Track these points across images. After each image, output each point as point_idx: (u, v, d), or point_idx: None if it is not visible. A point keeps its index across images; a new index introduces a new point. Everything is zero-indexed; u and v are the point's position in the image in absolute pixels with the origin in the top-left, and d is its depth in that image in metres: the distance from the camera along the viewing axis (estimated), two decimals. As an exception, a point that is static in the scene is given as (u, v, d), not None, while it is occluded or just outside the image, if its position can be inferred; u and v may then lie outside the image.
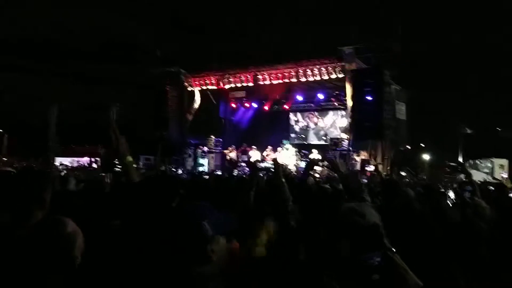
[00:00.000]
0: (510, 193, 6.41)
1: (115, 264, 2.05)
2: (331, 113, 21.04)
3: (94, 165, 16.54)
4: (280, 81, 17.08)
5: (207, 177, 9.80)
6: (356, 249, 1.93)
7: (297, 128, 22.35)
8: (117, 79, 30.64)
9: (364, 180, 9.76)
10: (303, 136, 22.11)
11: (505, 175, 15.93)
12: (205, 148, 19.47)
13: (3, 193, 2.19)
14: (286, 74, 16.78)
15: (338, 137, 18.37)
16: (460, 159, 20.42)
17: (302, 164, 16.32)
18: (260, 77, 17.52)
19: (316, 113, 21.59)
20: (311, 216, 3.19)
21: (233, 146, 19.44)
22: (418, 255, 2.28)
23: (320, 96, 19.46)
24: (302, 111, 21.94)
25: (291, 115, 22.33)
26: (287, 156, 17.39)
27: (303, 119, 22.15)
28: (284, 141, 18.85)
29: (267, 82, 17.45)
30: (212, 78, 18.87)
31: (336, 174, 3.75)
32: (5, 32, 29.89)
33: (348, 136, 16.37)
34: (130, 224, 2.33)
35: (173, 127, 18.47)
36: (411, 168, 15.85)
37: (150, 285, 1.84)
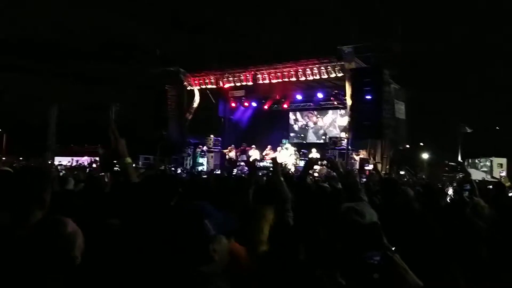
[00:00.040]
0: (509, 192, 6.42)
1: (115, 264, 2.05)
2: (330, 112, 21.04)
3: (94, 165, 16.53)
4: (280, 80, 17.07)
5: (206, 176, 9.80)
6: (356, 249, 1.93)
7: (296, 127, 22.36)
8: (117, 79, 30.64)
9: (363, 179, 9.76)
10: (303, 135, 22.11)
11: (504, 174, 15.94)
12: (205, 148, 19.47)
13: (2, 193, 2.19)
14: (286, 73, 16.78)
15: (337, 136, 18.39)
16: (459, 158, 20.44)
17: (301, 163, 16.31)
18: (259, 76, 17.51)
19: (315, 112, 21.60)
20: (310, 215, 3.19)
21: (233, 145, 19.43)
22: (417, 254, 2.28)
23: (320, 95, 19.46)
24: (301, 110, 21.94)
25: (291, 114, 22.34)
26: (287, 156, 17.38)
27: (302, 118, 22.16)
28: (284, 141, 18.84)
29: (267, 81, 17.44)
30: (211, 77, 18.87)
31: (335, 173, 3.76)
32: (5, 32, 29.88)
33: (347, 135, 16.37)
34: (130, 223, 2.33)
35: (173, 127, 18.47)
36: (410, 167, 15.88)
37: (150, 285, 1.85)
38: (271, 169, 8.35)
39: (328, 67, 15.75)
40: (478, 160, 18.45)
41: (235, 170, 14.30)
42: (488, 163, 17.68)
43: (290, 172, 13.58)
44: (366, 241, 1.95)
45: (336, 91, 18.33)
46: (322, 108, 21.09)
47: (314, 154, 17.00)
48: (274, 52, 21.16)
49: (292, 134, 22.12)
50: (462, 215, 3.49)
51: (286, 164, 15.90)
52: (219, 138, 20.14)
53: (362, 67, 15.13)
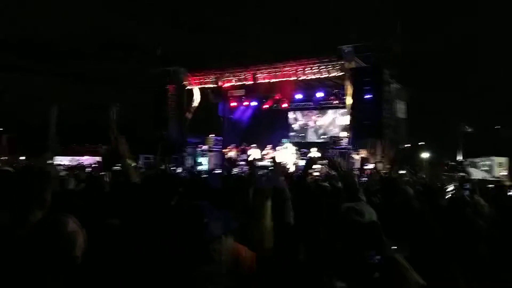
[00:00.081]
0: (509, 191, 6.42)
1: (115, 263, 2.05)
2: (330, 111, 21.02)
3: (94, 165, 16.52)
4: (280, 79, 17.06)
5: (206, 175, 9.78)
6: (357, 248, 1.93)
7: (296, 126, 22.34)
8: (117, 79, 30.65)
9: (363, 178, 9.75)
10: (302, 134, 22.10)
11: (505, 173, 15.91)
12: (205, 147, 19.46)
13: (3, 193, 2.19)
14: (286, 72, 16.77)
15: (338, 135, 18.38)
16: (460, 158, 20.42)
17: (302, 163, 16.30)
18: (259, 75, 17.50)
19: (315, 112, 21.59)
20: (310, 215, 3.19)
21: (233, 144, 19.42)
22: (417, 254, 2.28)
23: (319, 94, 19.47)
24: (301, 109, 21.93)
25: (291, 114, 22.32)
26: (286, 155, 17.37)
27: (303, 117, 22.15)
28: (284, 140, 18.83)
29: (267, 80, 17.43)
30: (211, 76, 18.85)
31: (335, 173, 3.76)
32: (5, 32, 29.89)
33: (348, 135, 16.37)
34: (131, 223, 2.33)
35: (173, 126, 18.47)
36: (411, 166, 15.85)
37: (151, 285, 1.85)
38: (270, 168, 8.35)
39: (328, 66, 15.75)
40: (479, 159, 18.40)
41: (235, 170, 14.30)
42: (489, 162, 17.63)
43: (290, 171, 13.58)
44: (366, 240, 1.95)
45: (336, 90, 18.33)
46: (322, 108, 21.08)
47: (314, 153, 16.99)
48: (274, 51, 21.17)
49: (292, 134, 22.10)
50: (462, 214, 3.49)
51: (286, 164, 15.88)
52: (219, 138, 20.14)
53: (362, 67, 15.13)
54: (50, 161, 19.76)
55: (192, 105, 19.42)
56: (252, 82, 17.83)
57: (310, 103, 20.93)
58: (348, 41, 15.12)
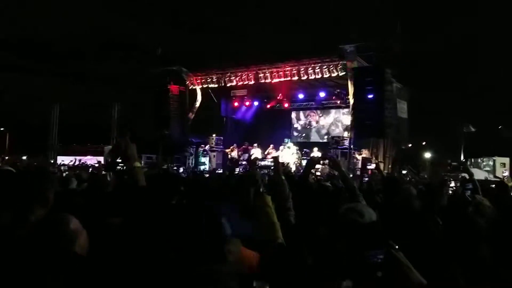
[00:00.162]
0: (511, 191, 6.40)
1: (118, 263, 2.05)
2: (333, 111, 21.04)
3: (97, 164, 16.56)
4: (282, 79, 17.06)
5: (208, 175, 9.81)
6: (358, 248, 1.93)
7: (298, 126, 22.36)
8: (117, 79, 30.64)
9: (366, 178, 9.75)
10: (305, 134, 22.11)
11: (507, 174, 15.88)
12: (207, 147, 19.48)
13: (4, 192, 2.19)
14: (288, 72, 16.75)
15: (340, 135, 18.38)
16: (462, 158, 20.40)
17: (304, 163, 16.30)
18: (261, 75, 17.50)
19: (318, 111, 21.60)
20: (311, 214, 3.19)
21: (235, 144, 19.43)
22: (418, 253, 2.28)
23: (322, 94, 19.48)
24: (303, 109, 21.94)
25: (293, 114, 22.34)
26: (288, 155, 17.38)
27: (305, 117, 22.16)
28: (286, 140, 18.84)
29: (269, 80, 17.43)
30: (213, 76, 18.86)
31: (336, 172, 3.76)
32: (5, 32, 29.92)
33: (350, 134, 16.36)
34: (132, 222, 2.33)
35: (175, 126, 18.48)
36: (413, 166, 15.84)
37: (161, 284, 1.84)
38: (272, 167, 8.36)
39: (330, 66, 15.73)
40: (481, 160, 18.37)
41: (237, 169, 14.30)
42: (490, 163, 17.61)
43: (291, 171, 13.59)
44: (367, 240, 1.95)
45: (338, 90, 18.33)
46: (324, 107, 21.10)
47: (316, 153, 17.00)
48: (274, 51, 21.15)
49: (295, 134, 22.14)
50: (463, 214, 3.49)
51: (288, 163, 15.89)
52: (221, 138, 20.14)
53: (364, 66, 15.10)
54: (52, 161, 19.84)
55: (195, 105, 19.44)
56: (254, 82, 17.83)
57: (312, 103, 20.95)
58: (349, 40, 15.11)
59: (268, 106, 21.23)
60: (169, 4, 32.74)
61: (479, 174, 13.92)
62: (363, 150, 16.39)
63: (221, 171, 14.62)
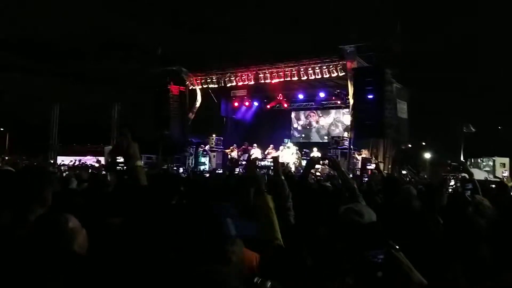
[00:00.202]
0: (511, 191, 6.40)
1: (118, 262, 2.05)
2: (333, 111, 21.04)
3: (97, 164, 16.56)
4: (282, 79, 17.06)
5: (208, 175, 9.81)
6: (358, 248, 1.93)
7: (298, 126, 22.37)
8: (117, 79, 30.63)
9: (365, 178, 9.75)
10: (305, 134, 22.11)
11: (506, 174, 15.90)
12: (207, 147, 19.48)
13: (4, 192, 2.19)
14: (288, 72, 16.75)
15: (340, 135, 18.37)
16: (462, 158, 20.39)
17: (303, 163, 16.30)
18: (261, 75, 17.50)
19: (318, 112, 21.60)
20: (311, 214, 3.19)
21: (235, 145, 19.42)
22: (418, 254, 2.28)
23: (322, 94, 19.48)
24: (303, 109, 21.94)
25: (293, 114, 22.34)
26: (288, 155, 17.37)
27: (305, 117, 22.16)
28: (286, 140, 18.84)
29: (268, 80, 17.43)
30: (213, 76, 18.86)
31: (336, 173, 3.76)
32: (5, 32, 29.91)
33: (349, 135, 16.36)
34: (134, 222, 2.33)
35: (175, 126, 18.47)
36: (412, 166, 15.86)
37: (162, 284, 1.84)
38: (271, 168, 8.35)
39: (330, 66, 15.74)
40: (481, 160, 18.37)
41: (237, 170, 14.27)
42: (490, 163, 17.62)
43: (291, 171, 13.58)
44: (367, 240, 1.94)
45: (338, 90, 18.33)
46: (324, 108, 21.10)
47: (316, 153, 16.99)
48: (275, 51, 21.14)
49: (296, 134, 22.15)
50: (463, 214, 3.49)
51: (287, 164, 15.89)
52: (221, 138, 20.15)
53: (364, 67, 15.10)
54: (52, 161, 19.84)
55: (195, 105, 19.43)
56: (254, 83, 17.84)
57: (312, 103, 20.95)
58: (349, 41, 15.11)
59: (268, 106, 21.24)
60: (169, 4, 32.74)
61: (479, 174, 13.91)
62: (363, 150, 16.39)
63: (221, 171, 14.61)
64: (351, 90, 14.91)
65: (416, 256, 2.08)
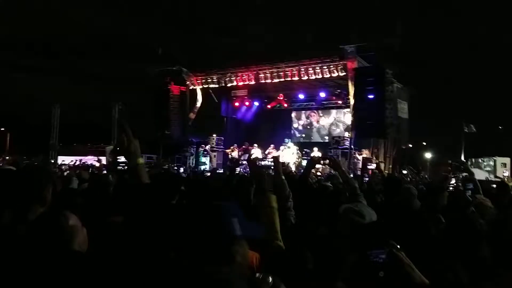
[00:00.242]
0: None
1: (118, 262, 2.05)
2: (333, 111, 21.03)
3: (98, 164, 16.56)
4: (282, 79, 17.05)
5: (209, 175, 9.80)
6: (359, 247, 1.93)
7: (299, 126, 22.36)
8: (117, 79, 30.67)
9: (366, 178, 9.74)
10: (305, 134, 22.11)
11: (507, 174, 15.89)
12: (207, 147, 19.48)
13: (4, 191, 2.19)
14: (288, 72, 16.75)
15: (340, 135, 18.37)
16: (462, 158, 20.39)
17: (304, 163, 16.29)
18: (262, 75, 17.49)
19: (318, 112, 21.59)
20: (311, 214, 3.19)
21: (235, 144, 19.42)
22: (419, 253, 2.27)
23: (322, 94, 19.46)
24: (304, 109, 21.94)
25: (293, 114, 22.34)
26: (289, 154, 17.36)
27: (306, 117, 22.15)
28: (286, 140, 18.83)
29: (269, 80, 17.43)
30: (213, 76, 18.86)
31: (336, 172, 3.76)
32: (5, 32, 29.95)
33: (350, 135, 16.36)
34: (136, 221, 2.33)
35: (175, 126, 18.48)
36: (413, 166, 15.84)
37: (163, 284, 1.83)
38: (272, 167, 8.34)
39: (331, 66, 15.73)
40: (482, 160, 18.37)
41: (237, 169, 14.28)
42: (491, 163, 17.62)
43: (291, 171, 13.57)
44: (368, 240, 1.94)
45: (338, 90, 18.32)
46: (324, 108, 21.10)
47: (316, 153, 16.98)
48: (275, 51, 21.18)
49: (297, 134, 22.14)
50: (463, 214, 3.49)
51: (288, 163, 15.88)
52: (222, 138, 20.15)
53: (364, 67, 15.10)
54: (53, 160, 19.85)
55: (196, 105, 19.44)
56: (255, 82, 17.84)
57: (313, 103, 20.94)
58: (349, 41, 15.12)
59: (269, 106, 21.23)
60: (169, 4, 32.77)
61: (479, 174, 13.90)
62: (364, 150, 16.38)
63: (221, 171, 14.61)
64: (351, 90, 14.90)
65: (417, 256, 2.08)
